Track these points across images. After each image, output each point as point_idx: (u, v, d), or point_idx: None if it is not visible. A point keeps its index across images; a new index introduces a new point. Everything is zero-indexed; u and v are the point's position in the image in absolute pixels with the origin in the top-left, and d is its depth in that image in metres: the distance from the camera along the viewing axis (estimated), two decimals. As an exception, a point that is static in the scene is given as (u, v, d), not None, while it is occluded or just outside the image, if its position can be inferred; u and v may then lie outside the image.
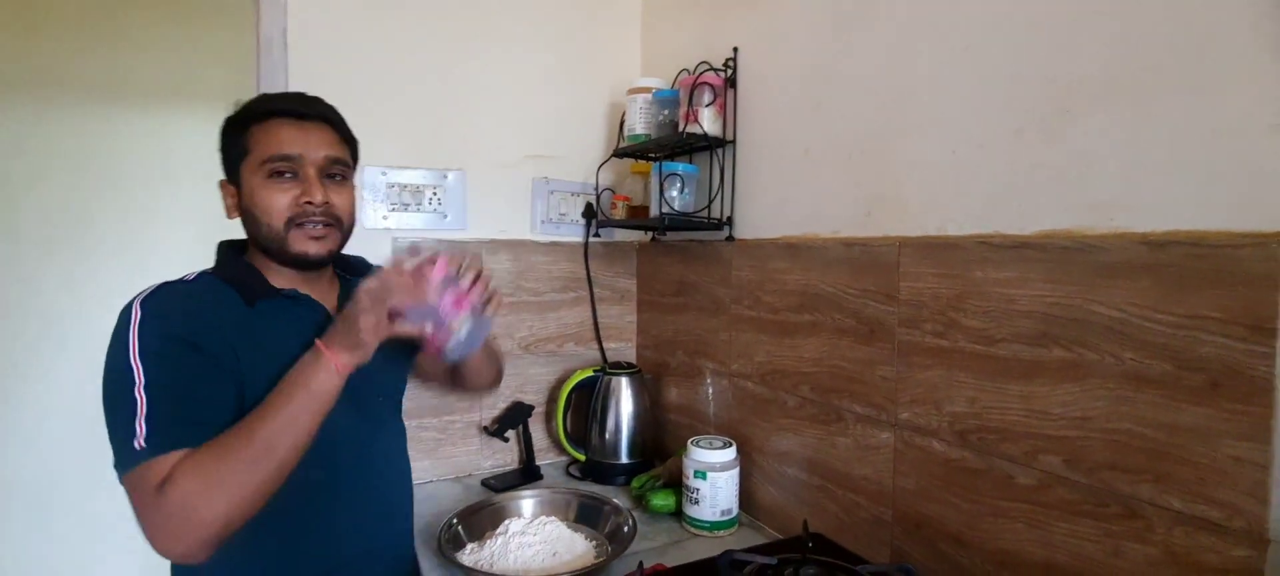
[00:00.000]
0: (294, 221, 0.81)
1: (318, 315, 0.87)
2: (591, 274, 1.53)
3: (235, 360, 0.76)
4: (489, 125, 1.43)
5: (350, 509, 0.88)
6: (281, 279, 0.85)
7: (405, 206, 1.35)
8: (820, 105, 1.06)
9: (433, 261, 0.80)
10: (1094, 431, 0.70)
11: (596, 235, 1.53)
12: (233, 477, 0.70)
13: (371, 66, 1.31)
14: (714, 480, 1.12)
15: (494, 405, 1.45)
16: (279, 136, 0.81)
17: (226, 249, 0.88)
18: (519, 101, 1.45)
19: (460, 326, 0.81)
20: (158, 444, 0.69)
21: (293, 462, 0.74)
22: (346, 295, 0.92)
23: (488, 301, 0.85)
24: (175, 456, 0.69)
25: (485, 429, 1.42)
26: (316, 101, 0.87)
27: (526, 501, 1.18)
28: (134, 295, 0.77)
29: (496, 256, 1.44)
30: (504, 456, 1.47)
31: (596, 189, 1.50)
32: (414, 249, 0.88)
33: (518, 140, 1.46)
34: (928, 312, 0.87)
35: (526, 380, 1.49)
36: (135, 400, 0.70)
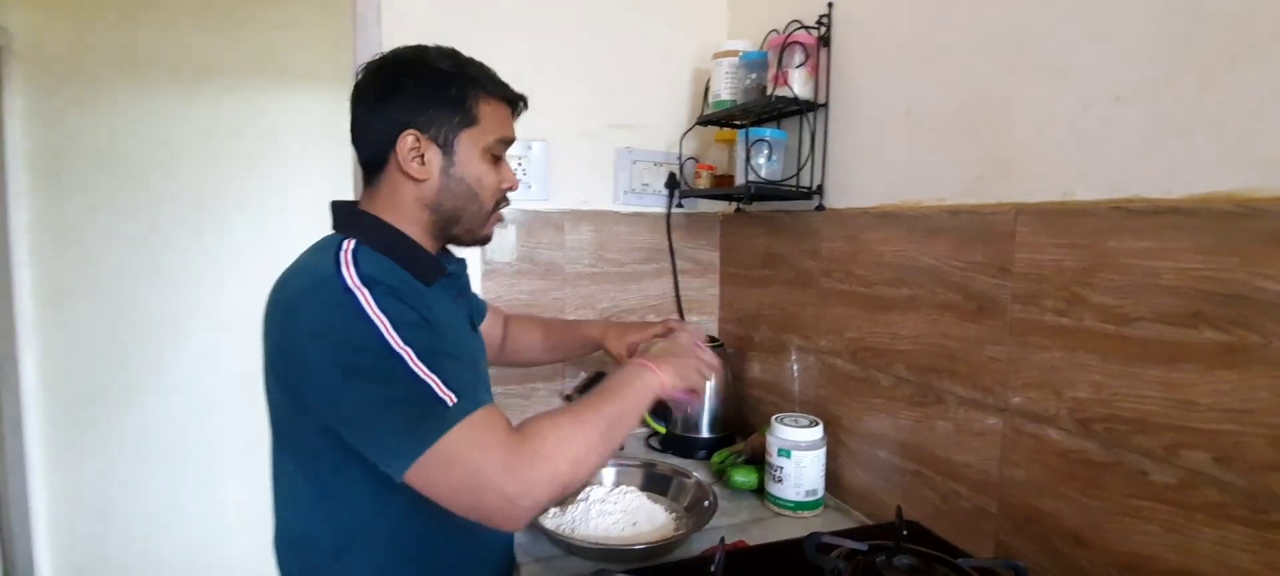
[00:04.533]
0: (497, 204, 0.85)
1: (459, 283, 0.90)
2: (674, 245, 1.51)
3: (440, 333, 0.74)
4: (572, 94, 1.42)
5: None
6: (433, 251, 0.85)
7: (491, 177, 1.37)
8: (926, 60, 0.97)
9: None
10: (1254, 426, 0.60)
11: (679, 205, 1.49)
12: (585, 445, 0.70)
13: (461, 39, 1.30)
14: (799, 459, 1.08)
15: (576, 374, 1.47)
16: (508, 120, 0.84)
17: (375, 220, 0.80)
18: (602, 70, 1.43)
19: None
20: (473, 399, 0.66)
21: (614, 451, 0.76)
22: (448, 262, 0.92)
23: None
24: (496, 410, 0.68)
25: (567, 397, 1.44)
26: None
27: (608, 470, 1.18)
28: (314, 269, 0.70)
29: (578, 228, 1.44)
30: (585, 425, 1.48)
31: (680, 158, 1.46)
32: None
33: (601, 109, 1.44)
34: (1048, 287, 0.78)
35: (608, 351, 1.50)
36: (415, 373, 0.64)
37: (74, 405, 2.20)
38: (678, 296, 1.52)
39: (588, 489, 1.11)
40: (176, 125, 2.20)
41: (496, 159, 0.84)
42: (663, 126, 1.49)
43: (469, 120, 0.79)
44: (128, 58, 2.14)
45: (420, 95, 0.77)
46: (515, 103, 0.86)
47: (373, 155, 0.80)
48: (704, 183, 1.39)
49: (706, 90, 1.37)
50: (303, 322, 0.68)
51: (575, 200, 1.45)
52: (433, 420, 0.63)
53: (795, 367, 1.29)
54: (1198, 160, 0.64)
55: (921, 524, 0.89)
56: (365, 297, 0.67)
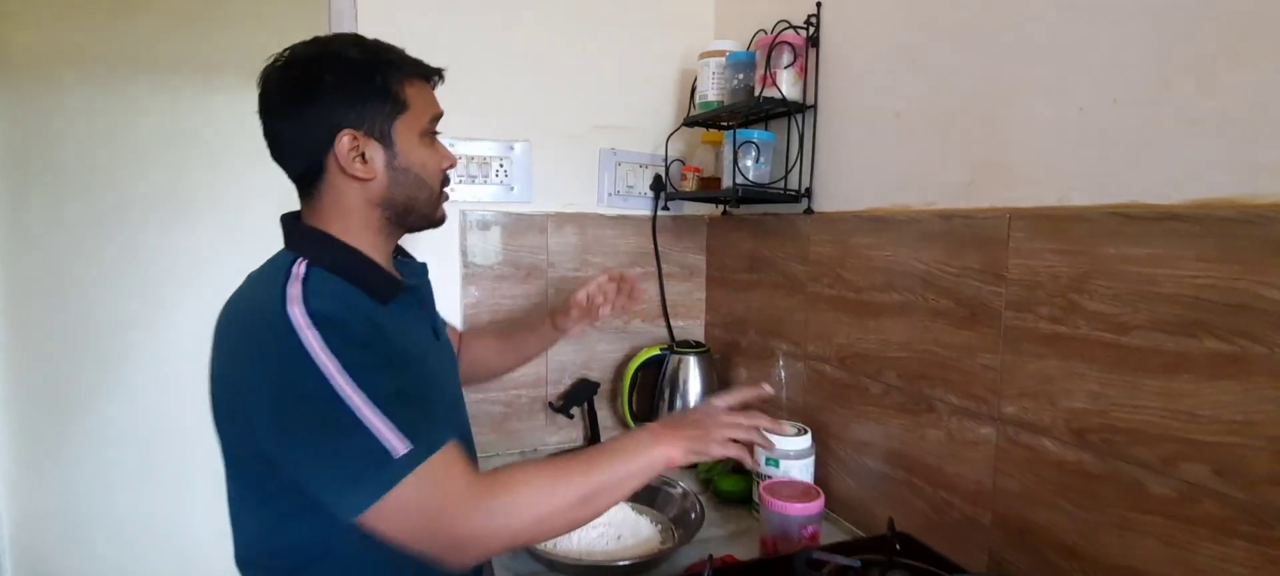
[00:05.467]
0: (443, 184, 0.82)
1: (417, 296, 0.85)
2: (659, 249, 1.48)
3: (398, 360, 0.70)
4: (556, 95, 1.38)
5: None
6: (382, 261, 0.80)
7: (472, 179, 1.34)
8: (916, 62, 0.95)
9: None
10: (1257, 439, 0.58)
11: (665, 208, 1.46)
12: (555, 509, 0.66)
13: (440, 36, 1.28)
14: (787, 468, 1.06)
15: (560, 381, 1.43)
16: (432, 97, 0.80)
17: (325, 236, 0.75)
18: (587, 70, 1.40)
19: None
20: (427, 444, 0.62)
21: (592, 519, 0.71)
22: (406, 274, 0.88)
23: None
24: (455, 452, 0.64)
25: (551, 405, 1.41)
26: None
27: (591, 481, 1.15)
28: (262, 303, 0.66)
29: (562, 231, 1.41)
30: (569, 432, 1.45)
31: (665, 160, 1.43)
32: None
33: (585, 110, 1.41)
34: (1043, 294, 0.77)
35: (592, 356, 1.46)
36: (361, 421, 0.60)
37: (38, 411, 2.12)
38: (664, 301, 1.49)
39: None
40: (144, 125, 2.13)
41: (433, 138, 0.80)
42: (648, 128, 1.46)
43: (400, 106, 0.74)
44: (94, 56, 2.07)
45: (345, 91, 0.71)
46: (431, 76, 0.81)
47: (308, 165, 0.74)
48: (690, 185, 1.37)
49: (693, 91, 1.34)
50: (248, 363, 0.65)
51: (559, 203, 1.41)
52: (383, 471, 0.60)
53: (782, 373, 1.26)
54: (1198, 164, 0.63)
55: (913, 536, 0.87)
56: (312, 339, 0.62)
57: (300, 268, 0.69)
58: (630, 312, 1.14)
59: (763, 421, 0.80)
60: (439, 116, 0.81)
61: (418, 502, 0.61)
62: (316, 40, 0.75)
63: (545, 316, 1.15)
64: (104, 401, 2.17)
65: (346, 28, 1.25)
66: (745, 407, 0.84)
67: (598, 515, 0.71)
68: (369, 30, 1.23)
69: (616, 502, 0.73)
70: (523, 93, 1.36)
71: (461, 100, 1.30)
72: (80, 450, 2.16)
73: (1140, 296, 0.67)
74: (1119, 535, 0.70)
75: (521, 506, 0.65)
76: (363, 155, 0.73)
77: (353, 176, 0.74)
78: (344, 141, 0.72)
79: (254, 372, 0.65)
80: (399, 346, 0.72)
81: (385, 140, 0.74)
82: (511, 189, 1.37)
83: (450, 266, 1.34)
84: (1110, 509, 0.71)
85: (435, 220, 0.83)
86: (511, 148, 1.36)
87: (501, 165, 1.36)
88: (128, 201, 2.14)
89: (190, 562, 2.25)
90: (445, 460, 0.64)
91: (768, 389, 0.87)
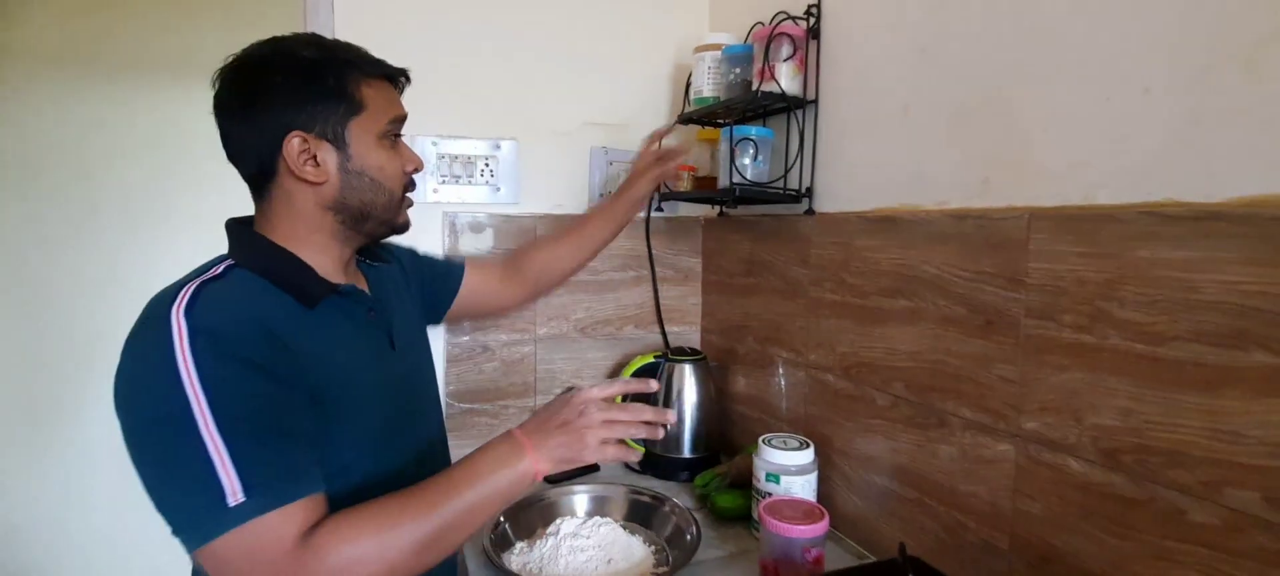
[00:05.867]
0: (406, 189, 0.77)
1: (364, 303, 0.78)
2: (653, 252, 1.41)
3: (302, 376, 0.65)
4: (544, 91, 1.32)
5: None
6: (329, 269, 0.74)
7: (456, 179, 1.27)
8: (925, 52, 0.89)
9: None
10: (1315, 463, 0.52)
11: (659, 209, 1.40)
12: (390, 564, 0.60)
13: (421, 29, 1.22)
14: (789, 484, 0.99)
15: (548, 391, 1.37)
16: (394, 98, 0.76)
17: (256, 237, 0.72)
18: (576, 65, 1.34)
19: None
20: (267, 496, 0.57)
21: (448, 555, 0.66)
22: (373, 280, 0.83)
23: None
24: (297, 511, 0.58)
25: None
26: None
27: (580, 497, 1.09)
28: (160, 300, 0.62)
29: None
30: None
31: (659, 159, 1.37)
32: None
33: (575, 106, 1.35)
34: (1067, 301, 0.70)
35: (583, 364, 1.40)
36: (206, 453, 0.56)
37: (14, 422, 2.04)
38: (658, 306, 1.43)
39: (558, 521, 1.01)
40: (121, 126, 2.06)
41: (395, 139, 0.75)
42: (640, 125, 1.39)
43: (354, 107, 0.70)
44: (70, 56, 2.00)
45: (295, 92, 0.68)
46: (396, 77, 0.76)
47: (259, 167, 0.70)
48: (685, 185, 1.30)
49: (687, 86, 1.28)
50: (124, 358, 0.61)
51: (547, 204, 1.35)
52: (212, 516, 0.56)
53: (783, 382, 1.20)
54: (1243, 159, 0.57)
55: (925, 560, 0.80)
56: (183, 349, 0.58)
57: (217, 269, 0.66)
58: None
59: (645, 413, 0.74)
60: (401, 118, 0.76)
61: (242, 559, 0.56)
62: (272, 40, 0.70)
63: (606, 204, 1.17)
64: (82, 411, 2.09)
65: (323, 22, 1.19)
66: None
67: (454, 550, 0.66)
68: (346, 24, 1.18)
69: (473, 533, 0.67)
70: (509, 89, 1.30)
71: (444, 97, 1.25)
72: (58, 461, 2.09)
73: (1179, 304, 0.61)
74: (1154, 565, 0.64)
75: (360, 569, 0.58)
76: (315, 158, 0.69)
77: (303, 179, 0.69)
78: (294, 143, 0.68)
79: (122, 372, 0.61)
80: (316, 353, 0.67)
81: (338, 142, 0.70)
82: (498, 189, 1.30)
83: (433, 271, 1.27)
84: (1144, 536, 0.64)
85: (397, 226, 0.78)
86: (498, 146, 1.29)
87: (487, 164, 1.29)
88: (104, 205, 2.07)
89: (170, 577, 2.18)
90: (282, 519, 0.57)
91: (653, 385, 0.79)
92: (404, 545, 0.61)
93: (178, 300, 0.61)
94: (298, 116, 0.68)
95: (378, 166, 0.72)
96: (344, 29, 1.17)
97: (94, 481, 2.11)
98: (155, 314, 0.61)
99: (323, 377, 0.67)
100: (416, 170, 0.78)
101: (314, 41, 0.71)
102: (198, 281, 0.64)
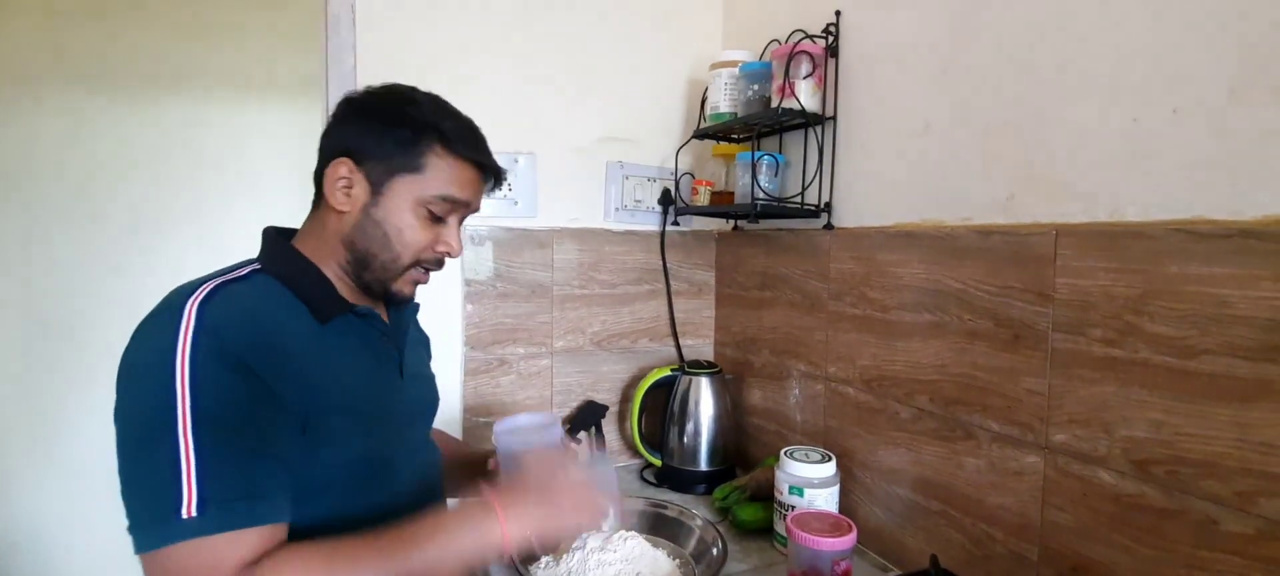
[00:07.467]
0: (420, 263, 0.75)
1: (378, 326, 0.77)
2: (668, 266, 1.43)
3: (299, 393, 0.63)
4: (561, 106, 1.33)
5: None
6: (348, 291, 0.74)
7: (474, 193, 1.28)
8: (948, 70, 0.91)
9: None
10: (1351, 474, 0.54)
11: (675, 223, 1.42)
12: None
13: (441, 44, 1.23)
14: (812, 497, 1.00)
15: (566, 404, 1.37)
16: (463, 181, 0.73)
17: (285, 246, 0.73)
18: (592, 80, 1.35)
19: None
20: (221, 515, 0.55)
21: None
22: (393, 314, 0.82)
23: None
24: (248, 537, 0.56)
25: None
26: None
27: (603, 511, 1.09)
28: (181, 291, 0.63)
29: (567, 247, 1.35)
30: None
31: (675, 173, 1.38)
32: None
33: (591, 122, 1.36)
34: (1096, 315, 0.72)
35: (599, 377, 1.40)
36: (175, 454, 0.55)
37: (12, 432, 2.02)
38: (672, 319, 1.44)
39: (583, 535, 1.01)
40: (125, 138, 2.05)
41: (437, 218, 0.73)
42: (656, 140, 1.41)
43: (410, 166, 0.70)
44: (73, 67, 1.99)
45: (369, 126, 0.71)
46: (486, 171, 0.76)
47: (316, 176, 0.74)
48: (703, 199, 1.32)
49: (703, 102, 1.30)
50: (132, 339, 0.62)
51: (564, 217, 1.36)
52: (164, 524, 0.55)
53: (799, 395, 1.21)
54: (1272, 178, 0.59)
55: (956, 573, 0.81)
56: (185, 341, 0.58)
57: (242, 271, 0.68)
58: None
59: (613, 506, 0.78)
60: (459, 202, 0.74)
61: (178, 574, 0.55)
62: (404, 85, 0.75)
63: (454, 462, 0.98)
64: (82, 422, 2.06)
65: (343, 40, 1.19)
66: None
67: None
68: (366, 38, 1.19)
69: None
70: (527, 103, 1.31)
71: (465, 110, 1.25)
72: (57, 472, 2.06)
73: (1210, 319, 0.62)
74: (1186, 574, 0.65)
75: None
76: (350, 189, 0.71)
77: (332, 204, 0.71)
78: (339, 167, 0.70)
79: (128, 351, 0.62)
80: (319, 370, 0.66)
81: (377, 186, 0.71)
82: (516, 204, 1.31)
83: (451, 284, 1.27)
84: (1177, 546, 0.66)
85: (391, 291, 0.75)
86: (516, 160, 1.30)
87: (505, 178, 1.30)
88: (106, 215, 2.05)
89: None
90: (229, 542, 0.55)
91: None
92: None
93: (196, 294, 0.62)
94: (357, 145, 0.70)
95: (398, 227, 0.71)
96: (366, 44, 1.18)
97: (94, 492, 2.08)
98: (172, 303, 0.62)
99: (320, 396, 0.65)
100: (447, 254, 0.76)
101: (432, 101, 0.74)
102: (220, 280, 0.65)
